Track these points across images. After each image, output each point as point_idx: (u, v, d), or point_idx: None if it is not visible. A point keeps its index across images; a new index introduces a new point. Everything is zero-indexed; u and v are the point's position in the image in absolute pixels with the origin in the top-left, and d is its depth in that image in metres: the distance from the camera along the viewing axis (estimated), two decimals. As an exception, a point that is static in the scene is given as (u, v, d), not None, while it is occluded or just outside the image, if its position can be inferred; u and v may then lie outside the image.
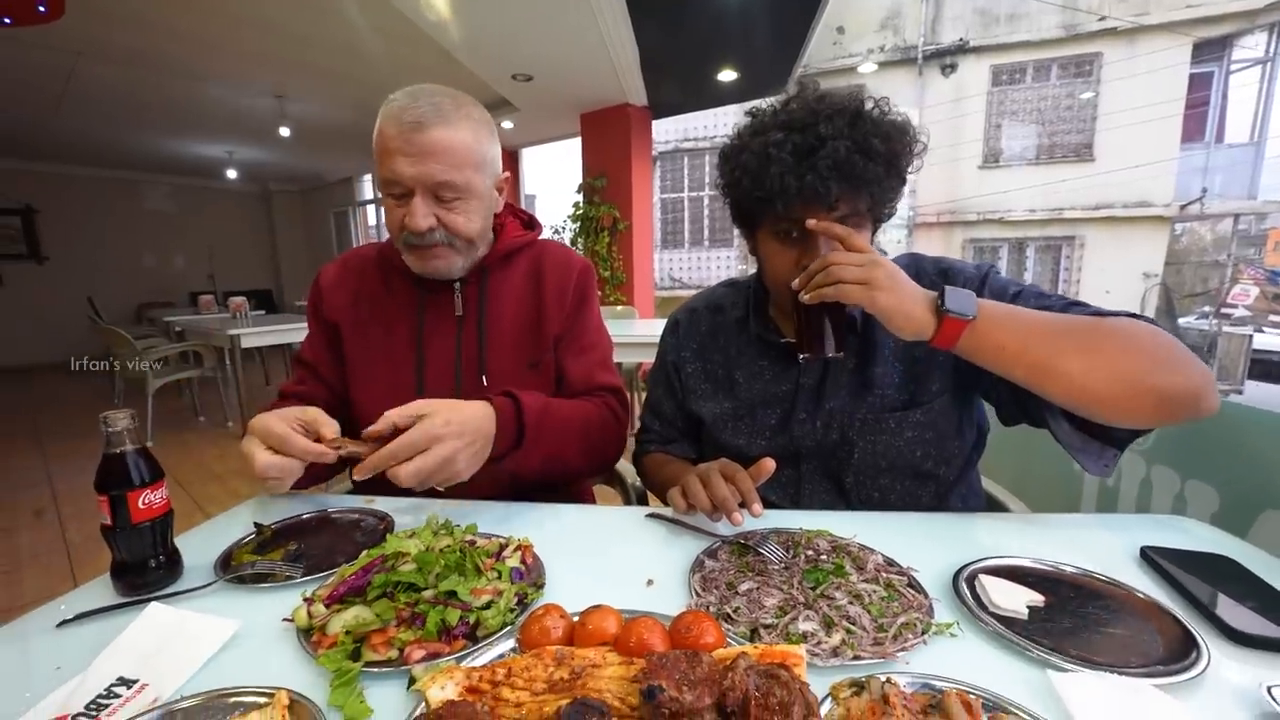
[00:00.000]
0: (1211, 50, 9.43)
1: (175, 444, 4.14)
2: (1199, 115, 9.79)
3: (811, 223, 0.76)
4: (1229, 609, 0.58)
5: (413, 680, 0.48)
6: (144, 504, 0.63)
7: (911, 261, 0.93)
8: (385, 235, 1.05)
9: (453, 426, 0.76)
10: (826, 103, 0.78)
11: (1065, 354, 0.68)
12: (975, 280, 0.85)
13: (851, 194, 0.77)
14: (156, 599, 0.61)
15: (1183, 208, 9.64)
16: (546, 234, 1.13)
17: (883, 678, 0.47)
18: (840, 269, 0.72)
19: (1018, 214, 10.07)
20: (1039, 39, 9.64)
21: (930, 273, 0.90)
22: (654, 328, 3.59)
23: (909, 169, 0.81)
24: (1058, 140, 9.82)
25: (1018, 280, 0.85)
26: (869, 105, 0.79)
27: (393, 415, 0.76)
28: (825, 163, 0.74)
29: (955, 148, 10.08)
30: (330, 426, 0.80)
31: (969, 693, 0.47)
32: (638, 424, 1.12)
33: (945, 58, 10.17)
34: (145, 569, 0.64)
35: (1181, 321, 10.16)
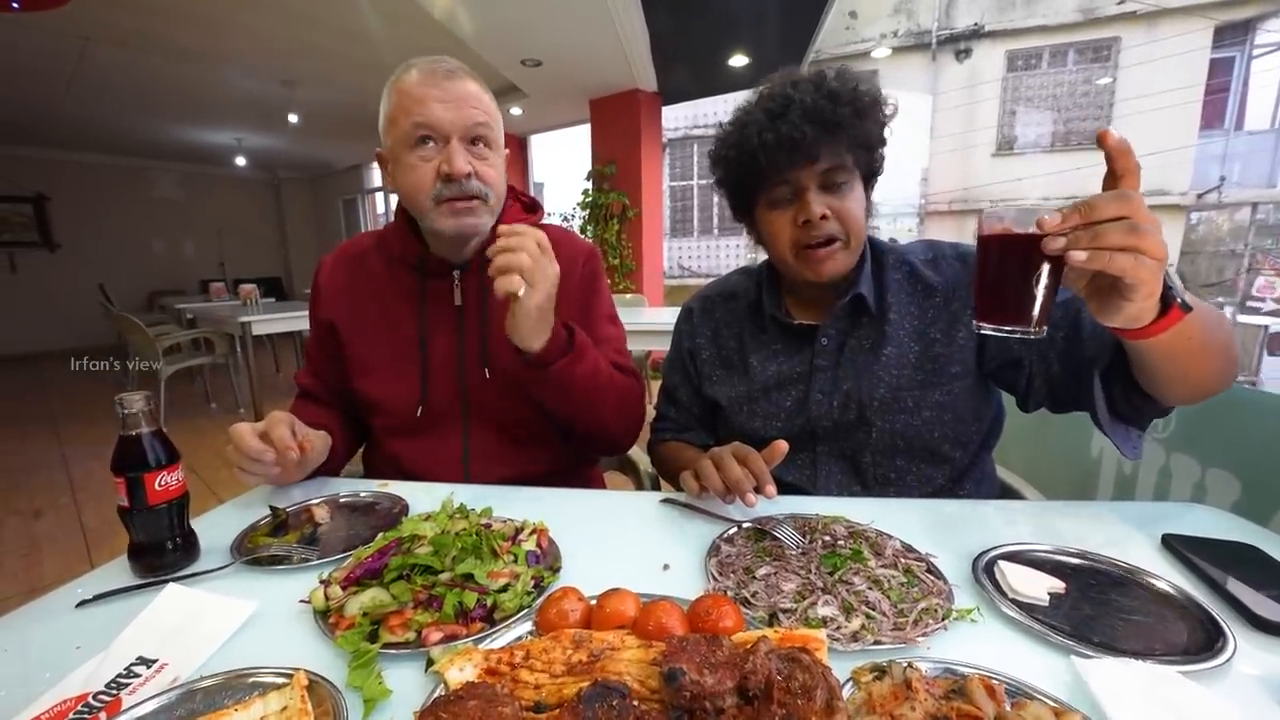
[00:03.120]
0: (1234, 34, 9.19)
1: (188, 430, 4.18)
2: (1219, 101, 9.57)
3: (1112, 137, 0.54)
4: (1254, 597, 0.57)
5: (430, 662, 0.48)
6: (160, 485, 0.63)
7: (928, 247, 0.94)
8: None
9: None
10: (791, 76, 0.86)
11: (1218, 337, 0.64)
12: None
13: (828, 141, 0.81)
14: (174, 580, 0.62)
15: (1200, 196, 9.45)
16: (555, 222, 1.11)
17: (904, 662, 0.47)
18: (1151, 233, 0.51)
19: (1031, 202, 9.92)
20: (1056, 23, 9.43)
21: (949, 256, 0.91)
22: (663, 316, 3.58)
23: (882, 120, 0.85)
24: (1073, 127, 9.64)
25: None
26: (831, 73, 0.85)
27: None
28: (795, 112, 0.81)
29: (968, 134, 9.92)
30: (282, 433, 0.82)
31: (992, 678, 0.46)
32: (651, 413, 1.12)
33: (960, 43, 9.97)
34: (162, 550, 0.64)
35: (1196, 312, 10.01)
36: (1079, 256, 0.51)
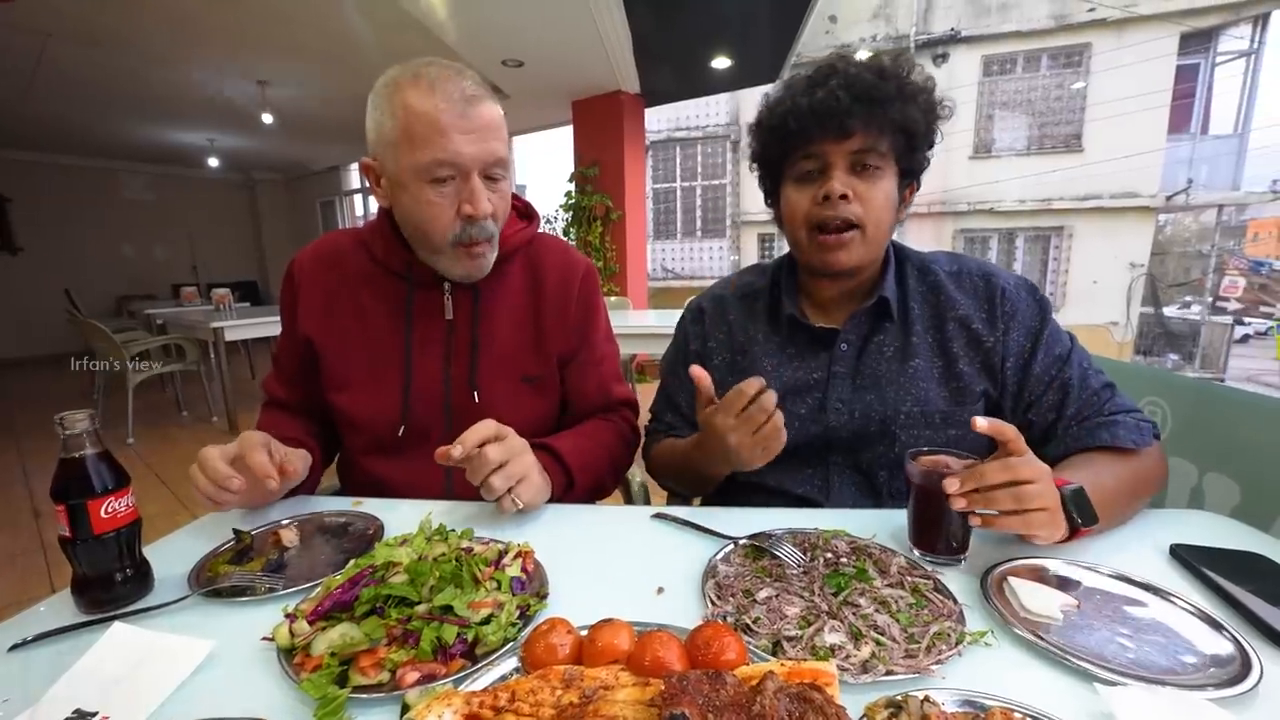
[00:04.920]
0: (1198, 42, 9.44)
1: (158, 440, 4.04)
2: (1185, 107, 9.82)
3: (981, 423, 0.62)
4: (1272, 612, 0.55)
5: (406, 708, 0.44)
6: (107, 513, 0.57)
7: (953, 259, 0.91)
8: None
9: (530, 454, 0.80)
10: (844, 52, 0.84)
11: (1133, 505, 0.75)
12: (1032, 313, 0.85)
13: (864, 115, 0.77)
14: (121, 617, 0.56)
15: (1169, 199, 9.69)
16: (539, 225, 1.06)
17: (920, 695, 0.44)
18: (1031, 497, 0.60)
19: (1008, 204, 10.07)
20: (1029, 29, 9.60)
21: (974, 274, 0.88)
22: (648, 319, 3.55)
23: (931, 111, 0.81)
24: (1047, 131, 9.81)
25: (1063, 331, 0.86)
26: (887, 56, 0.82)
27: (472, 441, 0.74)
28: (836, 80, 0.78)
29: (947, 138, 9.96)
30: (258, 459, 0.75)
31: (1014, 711, 0.43)
32: (646, 416, 1.07)
33: (937, 47, 10.09)
34: (110, 584, 0.59)
35: (1166, 311, 10.28)
36: (975, 521, 0.62)
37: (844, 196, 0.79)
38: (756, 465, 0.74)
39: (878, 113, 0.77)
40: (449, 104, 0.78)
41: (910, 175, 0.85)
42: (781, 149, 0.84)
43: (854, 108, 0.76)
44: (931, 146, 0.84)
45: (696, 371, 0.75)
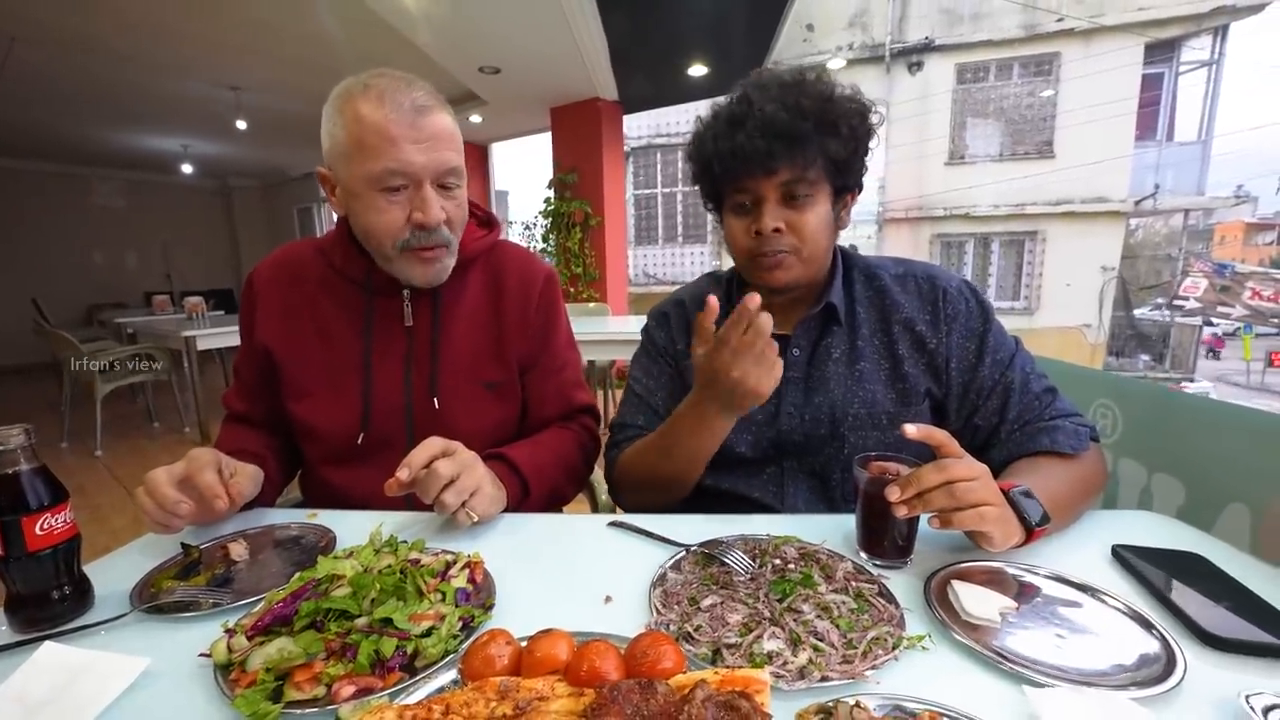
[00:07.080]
0: (1162, 52, 9.74)
1: (127, 451, 3.95)
2: (1151, 114, 10.13)
3: (911, 430, 0.65)
4: (1202, 611, 0.57)
5: (338, 723, 0.43)
6: (43, 529, 0.56)
7: (898, 263, 0.93)
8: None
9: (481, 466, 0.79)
10: (764, 77, 0.83)
11: (1083, 505, 0.77)
12: (974, 315, 0.86)
13: (787, 153, 0.78)
14: (55, 636, 0.55)
15: (1137, 203, 9.96)
16: (517, 231, 1.07)
17: (851, 700, 0.44)
18: (965, 492, 0.61)
19: (982, 209, 10.27)
20: (1000, 38, 9.83)
21: (919, 276, 0.90)
22: (629, 325, 3.55)
23: (859, 132, 0.82)
24: (1020, 137, 10.05)
25: (1007, 334, 0.88)
26: (809, 75, 0.82)
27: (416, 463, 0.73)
28: (753, 122, 0.78)
29: (922, 144, 10.23)
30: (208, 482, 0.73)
31: (942, 715, 0.44)
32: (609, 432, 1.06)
33: (912, 56, 10.28)
34: (46, 602, 0.57)
35: (1136, 312, 10.55)
36: (935, 523, 0.63)
37: (777, 230, 0.80)
38: (764, 394, 0.71)
39: (799, 150, 0.78)
40: (399, 114, 0.79)
41: (847, 188, 0.86)
42: (713, 185, 0.87)
43: (774, 148, 0.77)
44: (867, 154, 0.85)
45: (713, 301, 0.71)
